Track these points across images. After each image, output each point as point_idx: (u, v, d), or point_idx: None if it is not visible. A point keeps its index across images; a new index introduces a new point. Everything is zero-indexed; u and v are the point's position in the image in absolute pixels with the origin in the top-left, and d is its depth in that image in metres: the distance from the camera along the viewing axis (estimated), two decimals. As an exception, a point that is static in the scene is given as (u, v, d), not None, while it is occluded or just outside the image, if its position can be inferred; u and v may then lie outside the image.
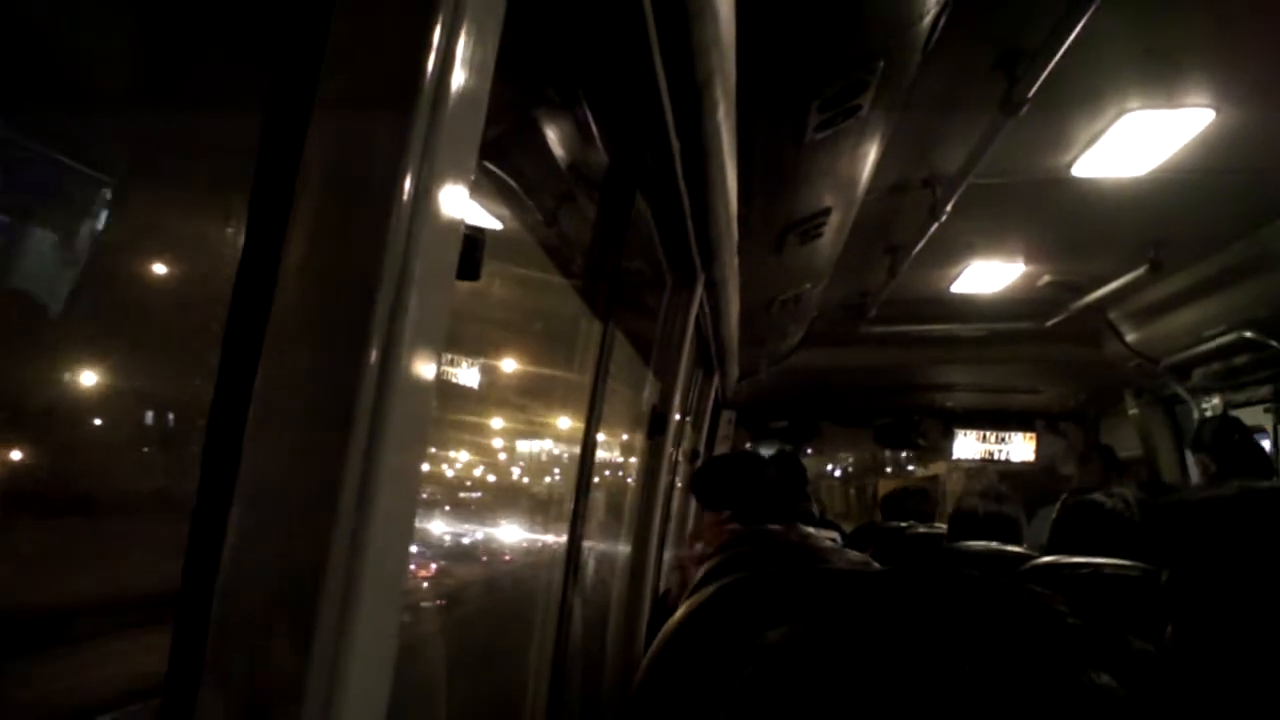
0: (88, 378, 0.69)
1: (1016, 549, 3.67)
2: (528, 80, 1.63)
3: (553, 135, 1.97)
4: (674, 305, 3.19)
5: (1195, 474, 5.55)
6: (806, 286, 4.46)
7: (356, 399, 0.69)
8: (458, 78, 0.76)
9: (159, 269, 0.73)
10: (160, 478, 0.76)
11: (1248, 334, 5.07)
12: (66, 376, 0.66)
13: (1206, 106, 3.17)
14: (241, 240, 0.72)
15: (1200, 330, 5.33)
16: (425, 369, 0.76)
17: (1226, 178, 3.72)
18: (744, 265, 3.44)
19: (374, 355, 0.70)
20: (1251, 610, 1.77)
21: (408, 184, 0.72)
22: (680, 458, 4.28)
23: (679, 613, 1.81)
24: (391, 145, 0.71)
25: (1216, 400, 5.98)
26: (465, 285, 0.89)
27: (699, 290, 3.14)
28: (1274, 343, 5.00)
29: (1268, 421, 5.66)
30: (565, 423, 2.69)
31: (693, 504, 4.92)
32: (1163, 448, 6.72)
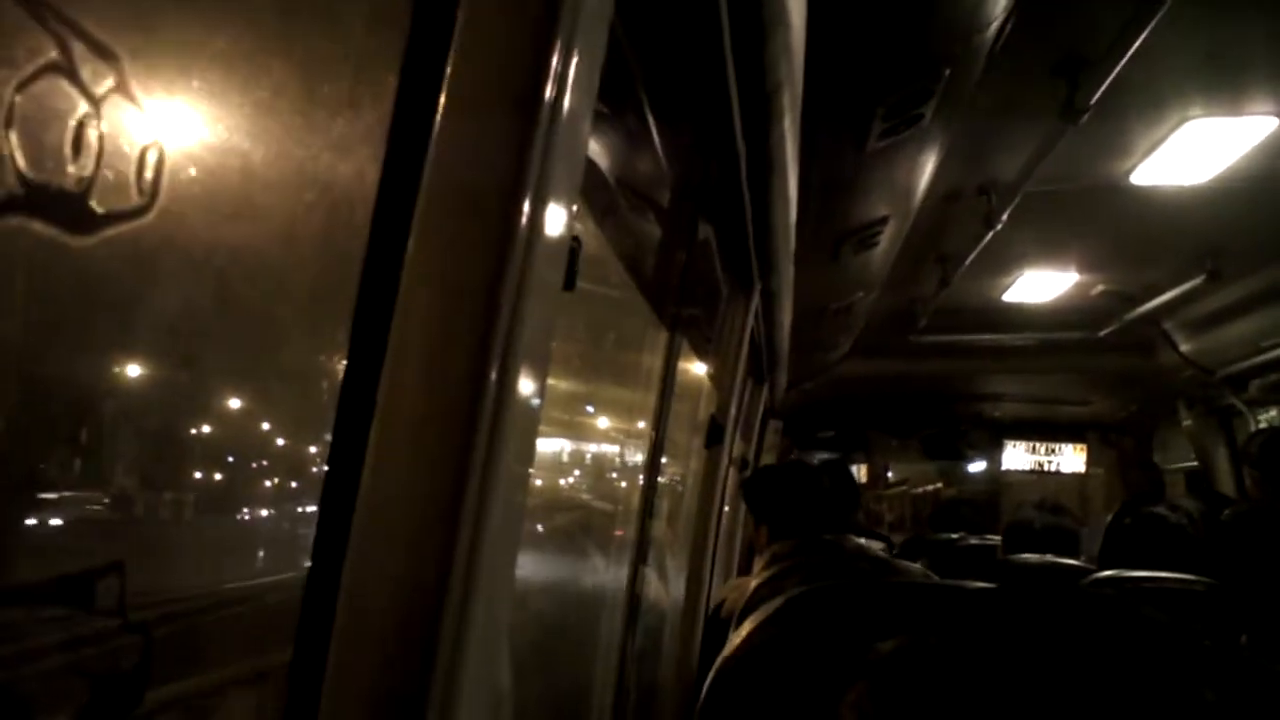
0: (216, 386, 0.70)
1: (1074, 562, 3.62)
2: (606, 94, 1.64)
3: (622, 146, 1.98)
4: (730, 314, 3.18)
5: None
6: (859, 295, 4.44)
7: (479, 407, 0.70)
8: (571, 94, 0.77)
9: (284, 281, 0.74)
10: (285, 485, 0.77)
11: (1306, 345, 4.99)
12: (196, 385, 0.68)
13: (1270, 114, 3.13)
14: (365, 250, 0.73)
15: (1258, 341, 5.25)
16: (538, 378, 0.77)
17: (1288, 186, 3.66)
18: (799, 274, 3.43)
19: (495, 364, 0.71)
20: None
21: (527, 196, 0.73)
22: (731, 466, 4.27)
23: (747, 624, 1.80)
24: (512, 158, 0.73)
25: (1274, 412, 5.88)
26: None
27: (755, 299, 3.14)
28: (1333, 355, 4.92)
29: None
30: (629, 428, 2.70)
31: (742, 512, 4.90)
32: (1218, 460, 6.61)
